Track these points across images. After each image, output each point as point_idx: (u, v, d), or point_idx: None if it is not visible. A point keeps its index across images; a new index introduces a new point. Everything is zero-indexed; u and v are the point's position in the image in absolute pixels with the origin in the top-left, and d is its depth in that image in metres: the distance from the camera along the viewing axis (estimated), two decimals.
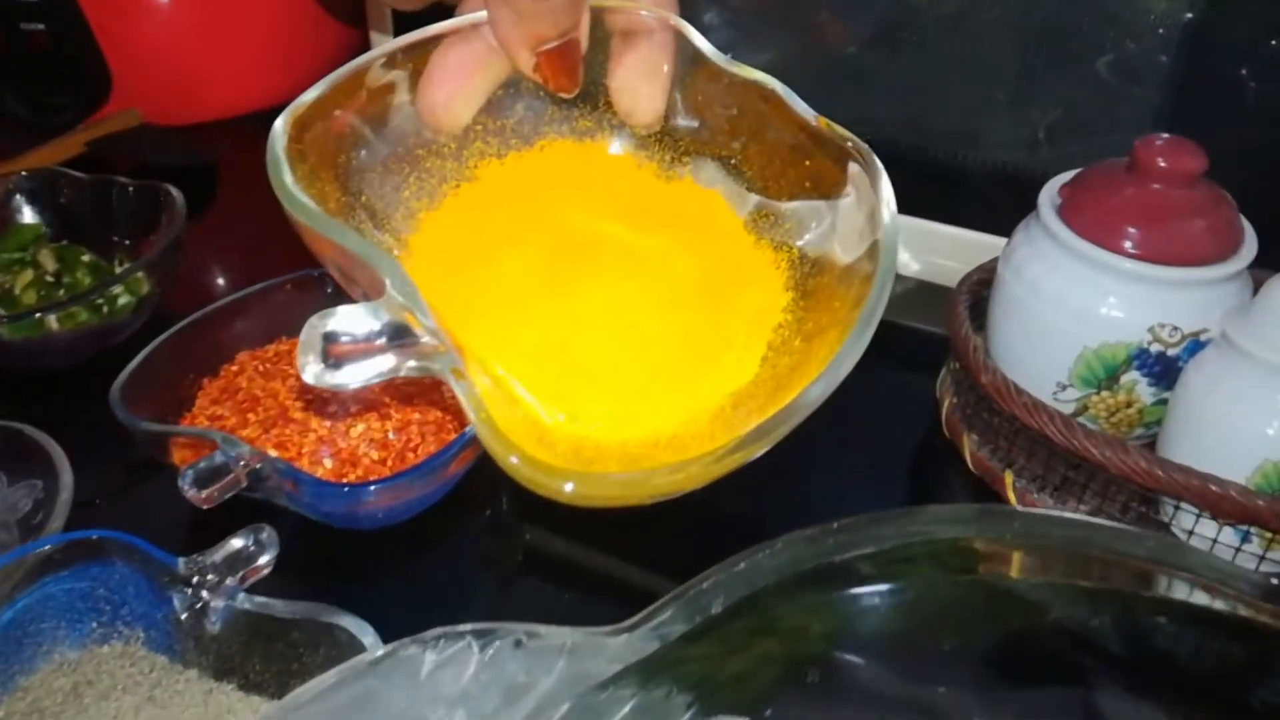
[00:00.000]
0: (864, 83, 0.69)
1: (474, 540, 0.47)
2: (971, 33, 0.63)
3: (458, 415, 0.48)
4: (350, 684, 0.24)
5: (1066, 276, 0.46)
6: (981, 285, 0.53)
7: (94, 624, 0.38)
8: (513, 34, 0.27)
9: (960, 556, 0.29)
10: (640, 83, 0.30)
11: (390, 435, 0.46)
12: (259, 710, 0.24)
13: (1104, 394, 0.46)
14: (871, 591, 0.28)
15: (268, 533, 0.38)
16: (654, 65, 0.30)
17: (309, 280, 0.52)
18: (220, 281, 0.52)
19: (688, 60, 0.31)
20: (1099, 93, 0.60)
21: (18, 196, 0.61)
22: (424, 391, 0.49)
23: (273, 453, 0.44)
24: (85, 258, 0.60)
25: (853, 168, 0.29)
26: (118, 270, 0.60)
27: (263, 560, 0.37)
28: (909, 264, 0.66)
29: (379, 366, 0.23)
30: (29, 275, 0.58)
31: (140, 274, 0.56)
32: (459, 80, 0.29)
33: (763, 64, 0.31)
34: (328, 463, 0.45)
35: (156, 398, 0.47)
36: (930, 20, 0.64)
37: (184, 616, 0.37)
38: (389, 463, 0.45)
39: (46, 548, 0.37)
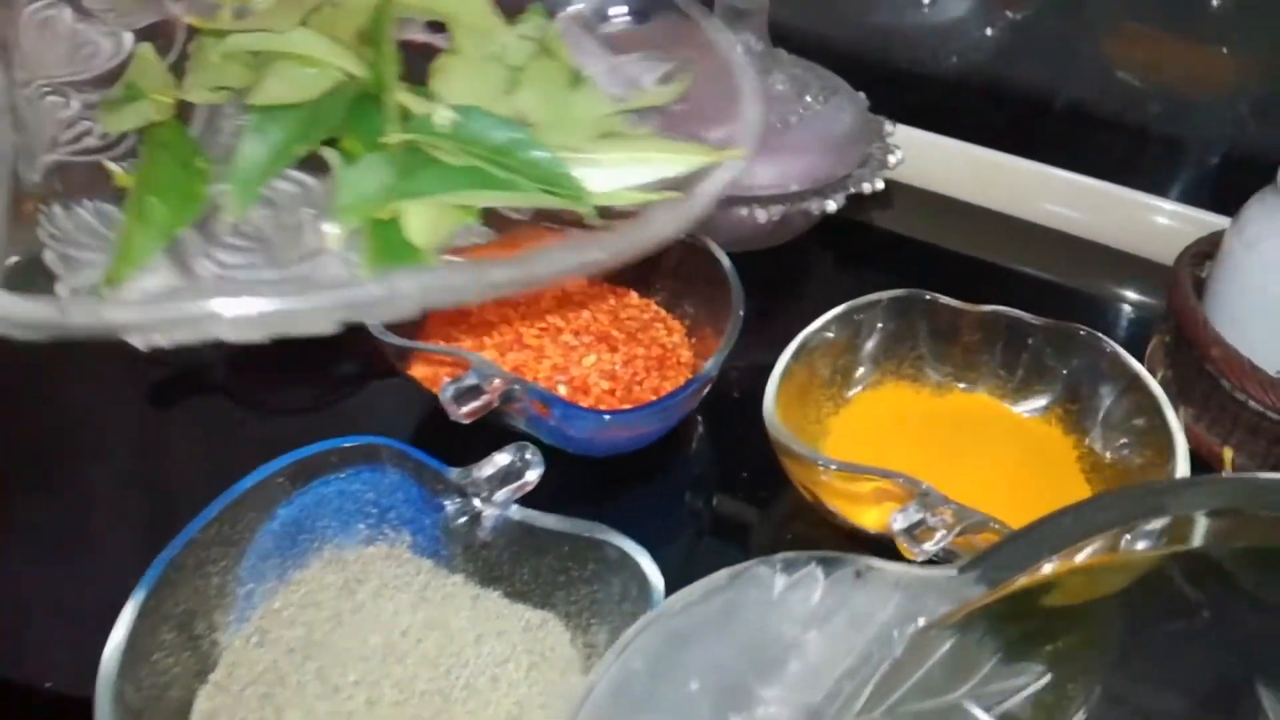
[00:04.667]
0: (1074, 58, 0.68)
1: (683, 470, 0.49)
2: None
3: (674, 352, 0.49)
4: (715, 595, 0.25)
5: None
6: (1202, 258, 0.52)
7: (361, 526, 0.40)
8: None
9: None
10: None
11: (618, 367, 0.47)
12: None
13: None
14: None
15: (532, 450, 0.39)
16: None
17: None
18: None
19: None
20: None
21: None
22: (645, 327, 0.50)
23: None
24: None
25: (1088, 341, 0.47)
26: None
27: (529, 476, 0.39)
28: (1096, 230, 0.65)
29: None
30: None
31: None
32: None
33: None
34: (561, 390, 0.46)
35: None
36: None
37: (456, 523, 0.39)
38: (617, 393, 0.46)
39: (324, 449, 0.39)
